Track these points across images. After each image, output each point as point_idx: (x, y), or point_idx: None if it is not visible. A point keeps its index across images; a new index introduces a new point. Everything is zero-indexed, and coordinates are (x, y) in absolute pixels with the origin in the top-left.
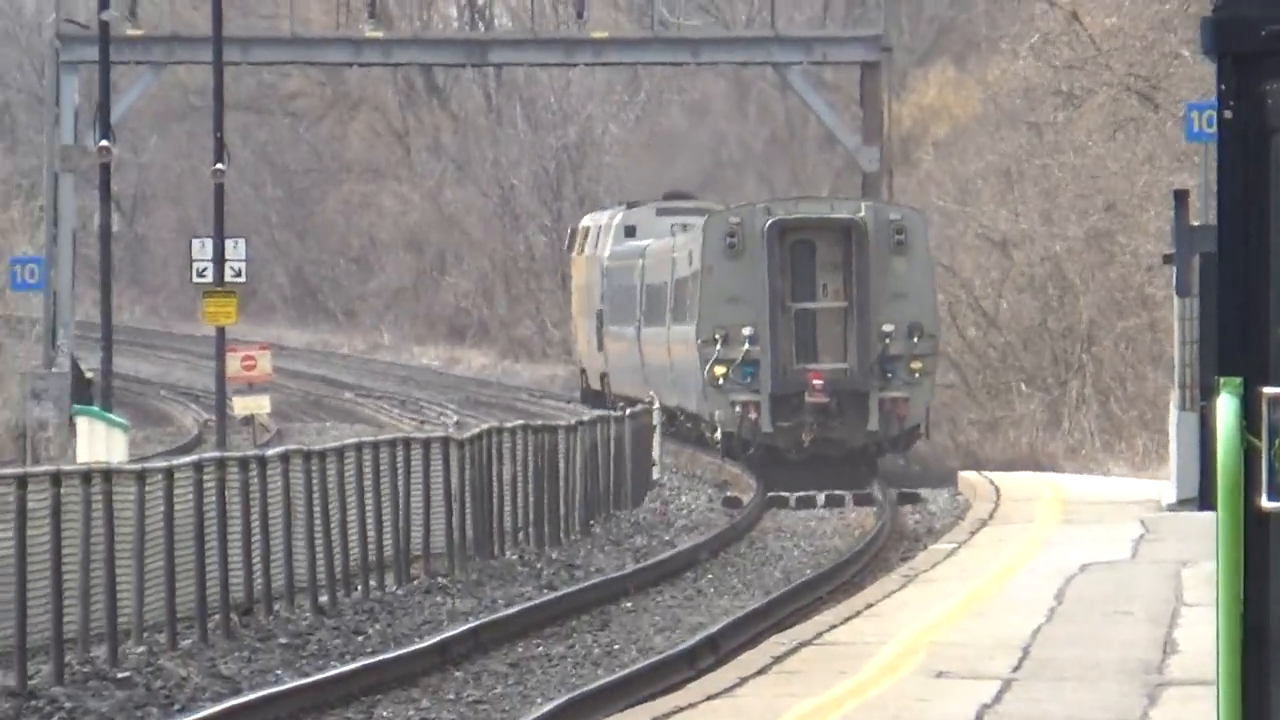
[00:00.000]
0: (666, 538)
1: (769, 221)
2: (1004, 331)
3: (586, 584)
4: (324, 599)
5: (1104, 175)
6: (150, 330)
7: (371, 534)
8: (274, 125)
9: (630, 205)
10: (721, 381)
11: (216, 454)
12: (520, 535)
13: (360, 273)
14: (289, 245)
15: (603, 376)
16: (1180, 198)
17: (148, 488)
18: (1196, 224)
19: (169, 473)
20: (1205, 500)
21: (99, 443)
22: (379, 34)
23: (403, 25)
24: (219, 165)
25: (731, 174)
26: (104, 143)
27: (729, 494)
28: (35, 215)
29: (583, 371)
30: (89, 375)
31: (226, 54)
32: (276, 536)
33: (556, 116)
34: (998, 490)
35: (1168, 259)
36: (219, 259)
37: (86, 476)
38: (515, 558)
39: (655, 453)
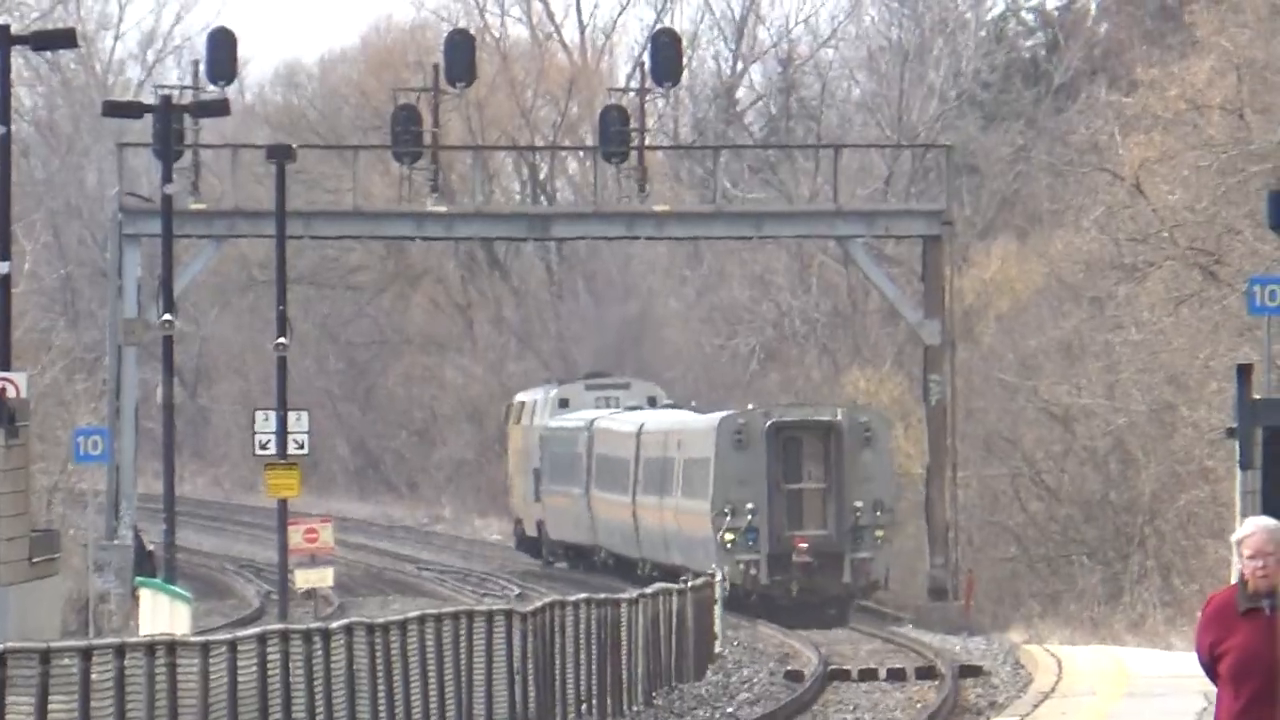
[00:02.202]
0: (729, 710)
1: (768, 423)
2: (1065, 505)
3: None
4: None
5: (1166, 349)
6: (212, 502)
7: (435, 706)
8: (336, 298)
9: (561, 382)
10: (730, 545)
11: (280, 626)
12: (583, 707)
13: (422, 445)
14: (351, 417)
15: (539, 523)
16: (1243, 371)
17: (211, 660)
18: (1259, 397)
19: (233, 645)
20: None
21: (162, 615)
22: (441, 208)
23: (464, 200)
24: (281, 339)
25: (794, 348)
26: (167, 316)
27: (790, 667)
28: (98, 388)
29: (518, 521)
30: (151, 547)
31: (289, 228)
32: (340, 709)
33: (618, 289)
34: (1059, 663)
35: (1230, 432)
36: (282, 432)
37: (151, 648)
38: None
39: (717, 626)
